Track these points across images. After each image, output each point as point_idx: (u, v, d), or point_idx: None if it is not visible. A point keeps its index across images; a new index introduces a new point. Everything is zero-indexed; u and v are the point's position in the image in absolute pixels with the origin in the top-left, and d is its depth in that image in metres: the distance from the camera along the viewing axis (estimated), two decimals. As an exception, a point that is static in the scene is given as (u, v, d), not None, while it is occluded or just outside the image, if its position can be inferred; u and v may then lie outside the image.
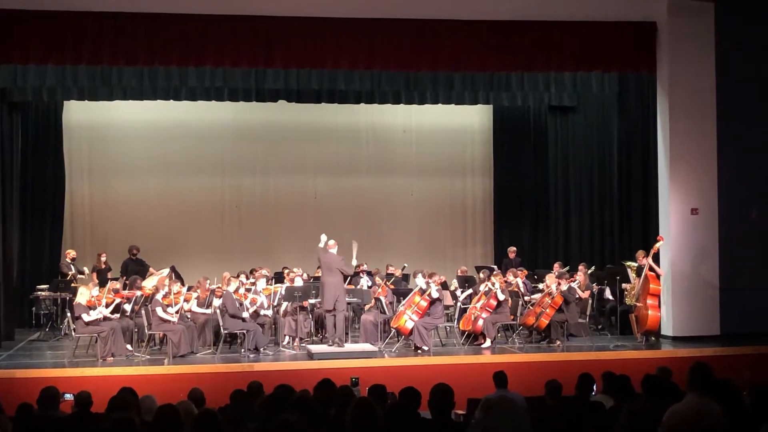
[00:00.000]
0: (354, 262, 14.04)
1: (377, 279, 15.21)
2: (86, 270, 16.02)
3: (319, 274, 15.35)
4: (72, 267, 15.87)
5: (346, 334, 13.82)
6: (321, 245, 13.65)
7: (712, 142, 14.68)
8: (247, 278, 14.85)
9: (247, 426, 6.15)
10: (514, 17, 14.46)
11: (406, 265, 16.25)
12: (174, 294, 13.48)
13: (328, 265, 13.43)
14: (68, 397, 8.87)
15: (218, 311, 13.51)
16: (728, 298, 14.56)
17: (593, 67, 15.13)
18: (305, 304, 14.07)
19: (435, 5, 14.20)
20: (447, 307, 14.75)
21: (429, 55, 14.40)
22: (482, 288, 14.45)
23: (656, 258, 14.24)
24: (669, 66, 14.66)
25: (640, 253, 14.29)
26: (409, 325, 13.36)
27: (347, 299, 13.92)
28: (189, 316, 13.75)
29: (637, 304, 14.16)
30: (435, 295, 13.46)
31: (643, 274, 13.99)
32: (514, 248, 18.02)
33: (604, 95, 17.50)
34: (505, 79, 16.06)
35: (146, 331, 13.40)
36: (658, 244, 14.17)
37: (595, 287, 15.48)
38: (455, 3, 14.25)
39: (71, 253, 16.21)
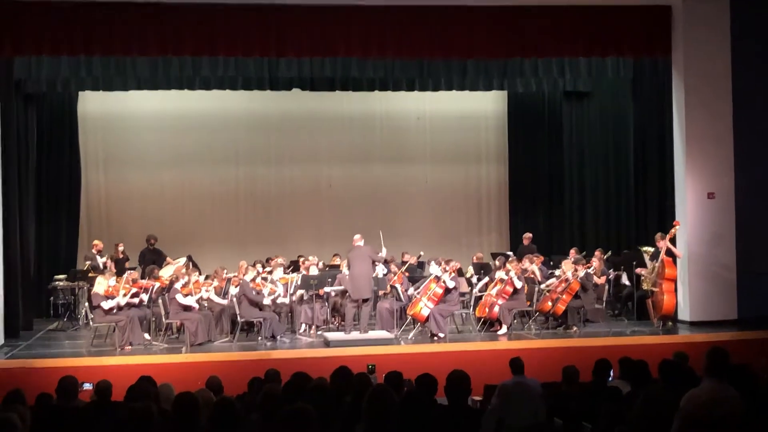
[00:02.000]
0: (384, 251, 14.04)
1: (393, 267, 15.21)
2: (108, 262, 15.98)
3: (336, 262, 15.44)
4: (98, 258, 15.90)
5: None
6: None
7: (728, 125, 14.60)
8: (263, 267, 14.88)
9: (251, 416, 6.16)
10: (528, 2, 14.40)
11: (422, 253, 16.25)
12: (193, 283, 13.53)
13: (359, 257, 13.44)
14: (87, 386, 8.93)
15: (235, 300, 13.55)
16: (745, 283, 14.50)
17: (607, 52, 15.09)
18: (321, 292, 14.10)
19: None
20: (463, 294, 14.74)
21: (442, 41, 14.37)
22: (498, 275, 14.44)
23: (673, 243, 14.20)
24: (684, 50, 14.57)
25: (657, 236, 14.24)
26: (425, 312, 13.36)
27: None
28: (206, 305, 13.81)
29: (654, 289, 14.12)
30: (450, 284, 13.45)
31: (660, 259, 13.96)
32: (530, 234, 17.96)
33: (619, 80, 17.40)
34: (519, 65, 16.01)
35: (164, 320, 13.47)
36: (674, 229, 14.12)
37: (612, 273, 15.43)
38: (468, -11, 14.22)
39: (99, 245, 16.23)
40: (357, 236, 13.76)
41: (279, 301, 13.97)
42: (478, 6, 14.31)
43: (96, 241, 16.43)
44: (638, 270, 14.67)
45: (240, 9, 13.83)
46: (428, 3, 14.20)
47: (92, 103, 18.20)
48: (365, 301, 13.43)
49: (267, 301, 13.61)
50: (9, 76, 14.25)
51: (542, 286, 14.59)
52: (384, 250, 14.04)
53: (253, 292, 13.36)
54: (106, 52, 13.96)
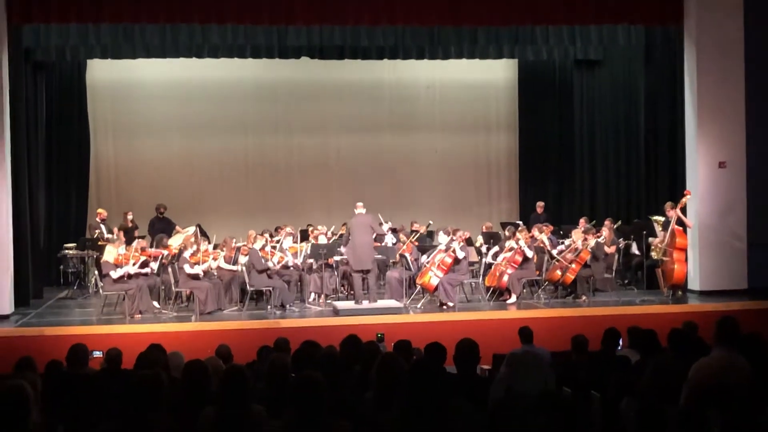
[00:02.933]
0: (386, 227, 14.01)
1: (402, 236, 15.21)
2: (115, 230, 16.00)
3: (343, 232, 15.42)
4: (102, 227, 15.93)
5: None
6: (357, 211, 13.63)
7: (740, 94, 14.49)
8: (272, 236, 14.89)
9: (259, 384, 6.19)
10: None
11: (431, 222, 16.24)
12: (202, 252, 13.55)
13: (360, 226, 13.40)
14: (97, 354, 8.98)
15: (244, 269, 13.57)
16: (756, 252, 14.46)
17: (619, 20, 14.99)
18: (330, 261, 14.11)
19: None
20: (472, 264, 14.74)
21: (452, 9, 14.26)
22: (508, 244, 14.42)
23: (683, 212, 14.14)
24: (696, 17, 14.43)
25: (668, 205, 14.17)
26: (434, 281, 13.37)
27: (372, 256, 13.95)
28: (216, 274, 13.84)
29: (664, 258, 14.08)
30: (460, 255, 13.43)
31: (670, 228, 13.91)
32: (542, 203, 17.93)
33: (631, 48, 17.27)
34: (530, 32, 15.92)
35: (173, 288, 13.51)
36: (685, 198, 14.06)
37: (622, 242, 15.39)
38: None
39: (102, 213, 16.26)
40: (359, 204, 13.70)
41: (290, 263, 13.95)
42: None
43: (100, 210, 16.48)
44: (651, 240, 14.60)
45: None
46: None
47: (101, 71, 18.15)
48: (367, 271, 13.41)
49: (275, 259, 13.58)
50: (18, 44, 14.20)
51: (553, 252, 14.53)
52: (386, 226, 13.98)
53: (262, 261, 13.36)
54: (115, 20, 13.92)
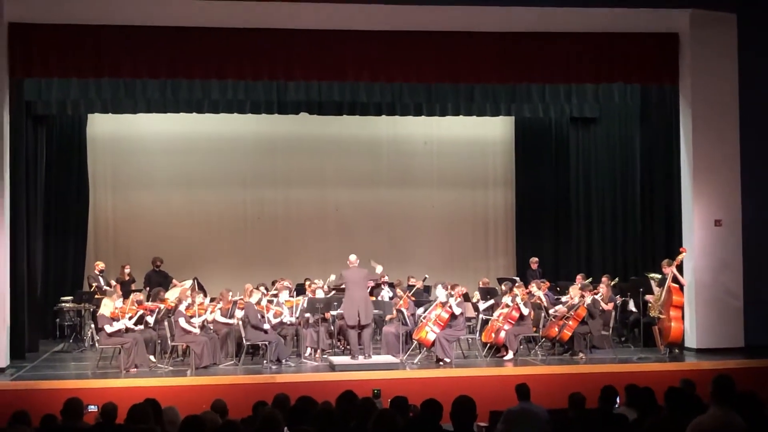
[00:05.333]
0: (379, 269, 14.10)
1: (399, 291, 15.19)
2: (112, 282, 16.00)
3: (343, 287, 15.40)
4: (100, 279, 15.93)
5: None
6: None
7: (736, 152, 14.58)
8: (268, 290, 14.88)
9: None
10: (535, 29, 14.44)
11: (427, 276, 16.25)
12: (197, 305, 13.54)
13: (356, 281, 13.39)
14: (92, 408, 8.93)
15: (240, 323, 13.55)
16: (752, 310, 14.44)
17: (615, 79, 15.13)
18: (327, 315, 14.09)
19: (455, 18, 14.16)
20: (469, 319, 14.72)
21: (449, 67, 14.42)
22: (504, 300, 14.42)
23: (680, 269, 14.16)
24: (692, 77, 14.58)
25: (664, 263, 14.17)
26: (431, 337, 13.33)
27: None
28: (212, 328, 13.80)
29: (661, 316, 14.07)
30: (457, 311, 13.41)
31: (666, 285, 13.91)
32: (536, 259, 17.98)
33: (627, 107, 17.46)
34: (526, 90, 16.08)
35: (169, 342, 13.46)
36: (680, 256, 14.10)
37: (619, 299, 15.39)
38: (474, 15, 14.20)
39: (100, 265, 16.26)
40: (353, 257, 13.70)
41: (286, 320, 13.94)
42: (486, 32, 14.37)
43: (98, 262, 16.47)
44: (648, 297, 14.59)
45: (249, 33, 13.89)
46: (436, 28, 14.26)
47: (101, 126, 18.29)
48: (366, 326, 13.38)
49: (273, 321, 13.57)
50: (19, 97, 14.32)
51: (551, 311, 14.54)
52: (379, 268, 14.05)
53: (258, 316, 13.34)
54: (115, 75, 14.06)
